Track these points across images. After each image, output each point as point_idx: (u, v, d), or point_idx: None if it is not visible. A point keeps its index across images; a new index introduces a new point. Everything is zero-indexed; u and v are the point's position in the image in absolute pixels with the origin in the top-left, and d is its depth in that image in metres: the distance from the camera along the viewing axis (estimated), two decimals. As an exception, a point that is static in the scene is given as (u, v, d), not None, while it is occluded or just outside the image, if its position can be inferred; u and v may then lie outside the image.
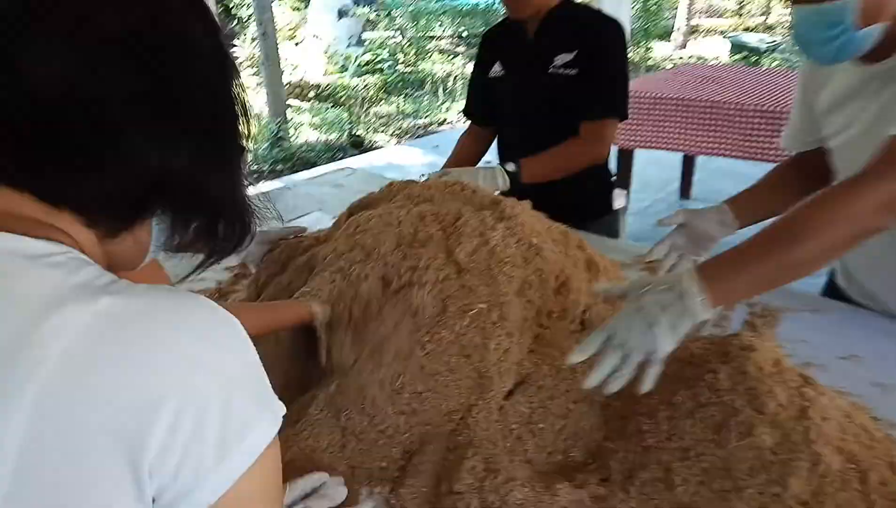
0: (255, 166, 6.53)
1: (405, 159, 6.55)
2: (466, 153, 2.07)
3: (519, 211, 1.20)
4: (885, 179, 0.95)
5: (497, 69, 1.92)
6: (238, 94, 0.60)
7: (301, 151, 6.84)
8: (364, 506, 0.93)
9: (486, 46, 2.00)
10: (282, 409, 0.56)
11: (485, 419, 0.99)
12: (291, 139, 7.17)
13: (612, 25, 1.79)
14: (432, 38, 10.64)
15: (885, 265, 1.31)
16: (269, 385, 0.56)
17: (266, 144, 6.86)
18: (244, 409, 0.52)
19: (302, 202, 2.17)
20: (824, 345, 1.26)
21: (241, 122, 0.60)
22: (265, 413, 0.54)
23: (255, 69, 7.93)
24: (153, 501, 0.50)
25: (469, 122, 2.13)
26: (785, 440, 0.87)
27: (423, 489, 0.94)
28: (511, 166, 1.71)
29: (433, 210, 1.21)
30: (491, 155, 2.10)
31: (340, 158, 6.85)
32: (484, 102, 2.01)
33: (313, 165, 6.28)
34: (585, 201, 1.88)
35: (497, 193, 1.57)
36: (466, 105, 2.11)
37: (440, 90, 9.06)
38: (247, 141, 0.61)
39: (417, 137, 7.83)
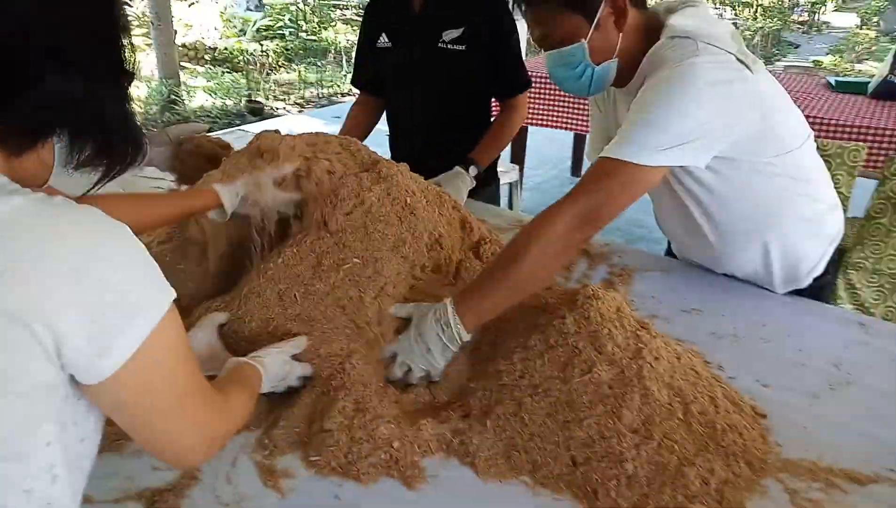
0: (146, 130, 6.21)
1: (305, 128, 6.42)
2: (358, 124, 2.08)
3: (395, 172, 1.25)
4: (576, 200, 1.11)
5: (383, 40, 1.93)
6: (123, 22, 0.65)
7: (195, 116, 6.56)
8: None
9: (370, 15, 2.00)
10: (171, 294, 0.65)
11: (358, 364, 1.05)
12: (185, 103, 6.85)
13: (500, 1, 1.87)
14: (336, 6, 10.43)
15: (693, 245, 1.47)
16: (158, 276, 0.65)
17: (157, 107, 6.53)
18: (136, 298, 0.61)
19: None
20: (671, 300, 1.40)
21: (127, 49, 0.65)
22: (155, 298, 0.64)
23: (144, 29, 7.48)
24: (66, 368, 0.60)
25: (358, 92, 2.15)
26: (620, 376, 0.99)
27: (295, 429, 0.99)
28: (473, 170, 1.81)
29: (322, 168, 1.25)
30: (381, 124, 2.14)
31: (238, 125, 6.63)
32: (370, 72, 2.03)
33: (209, 130, 6.04)
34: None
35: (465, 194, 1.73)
36: (354, 75, 2.11)
37: (343, 60, 8.93)
38: (132, 68, 0.67)
39: (321, 106, 7.69)
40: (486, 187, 2.07)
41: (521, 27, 1.71)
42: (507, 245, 1.15)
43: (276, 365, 1.00)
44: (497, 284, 1.10)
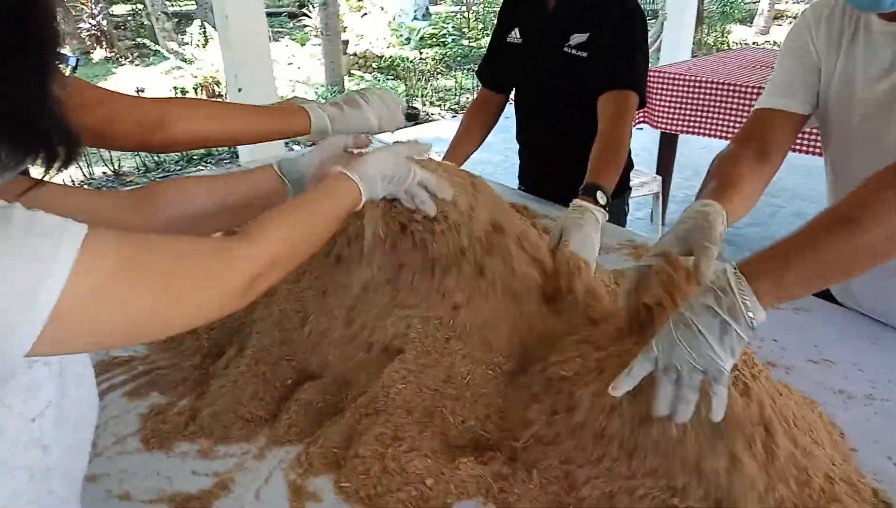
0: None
1: (453, 134, 6.51)
2: (472, 125, 1.99)
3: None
4: None
5: (515, 35, 1.87)
6: (43, 15, 0.56)
7: (355, 121, 6.91)
8: None
9: (506, 10, 1.94)
10: (75, 239, 0.55)
11: (404, 389, 0.98)
12: (348, 109, 7.25)
13: (631, 5, 1.71)
14: (500, 13, 10.53)
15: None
16: (53, 219, 0.55)
17: (321, 112, 6.97)
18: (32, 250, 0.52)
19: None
20: (797, 346, 1.18)
21: (43, 43, 0.56)
22: (59, 245, 0.54)
23: (318, 40, 8.04)
24: None
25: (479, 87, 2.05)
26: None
27: (333, 449, 0.95)
28: (601, 197, 1.48)
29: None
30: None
31: (394, 130, 6.90)
32: (499, 67, 1.96)
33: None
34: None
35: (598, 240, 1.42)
36: (480, 66, 2.04)
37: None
38: (55, 47, 0.58)
39: (475, 112, 7.76)
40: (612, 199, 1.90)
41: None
42: (833, 209, 0.83)
43: (381, 162, 0.91)
44: (822, 250, 0.78)
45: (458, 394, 0.99)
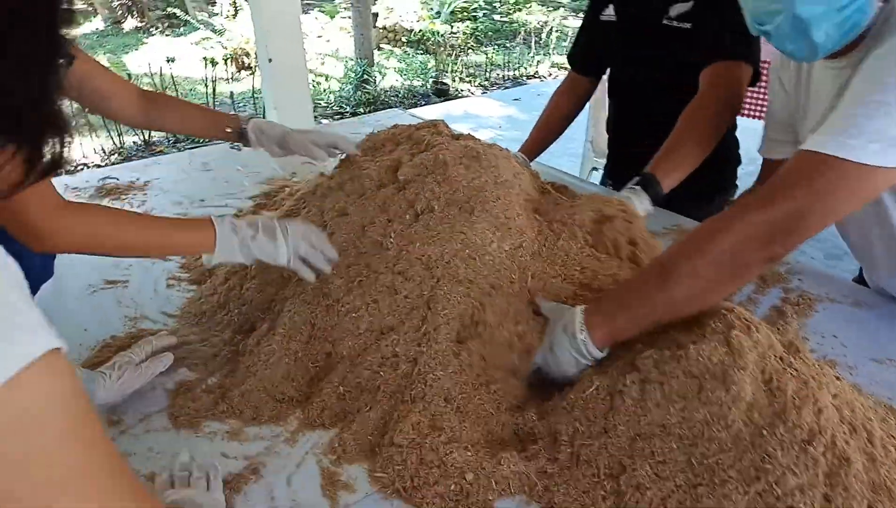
0: (338, 107, 6.60)
1: (482, 110, 6.40)
2: (559, 108, 1.87)
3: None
4: (765, 206, 0.83)
5: (609, 12, 1.69)
6: None
7: (384, 96, 6.82)
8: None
9: None
10: (39, 348, 0.45)
11: (441, 376, 0.93)
12: (377, 84, 7.14)
13: None
14: (534, -13, 10.27)
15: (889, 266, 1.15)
16: (21, 326, 0.45)
17: (350, 86, 6.89)
18: None
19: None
20: (858, 344, 1.11)
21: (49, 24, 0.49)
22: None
23: (348, 12, 7.92)
24: None
25: (568, 70, 1.90)
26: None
27: (368, 436, 0.90)
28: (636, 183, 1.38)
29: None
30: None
31: (423, 105, 6.81)
32: (589, 49, 1.81)
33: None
34: (698, 179, 1.45)
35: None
36: (570, 49, 1.90)
37: (533, 42, 8.76)
38: (61, 50, 0.50)
39: (505, 88, 7.63)
40: (712, 202, 1.72)
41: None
42: (657, 260, 0.96)
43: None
44: (642, 299, 0.91)
45: (500, 378, 0.94)
